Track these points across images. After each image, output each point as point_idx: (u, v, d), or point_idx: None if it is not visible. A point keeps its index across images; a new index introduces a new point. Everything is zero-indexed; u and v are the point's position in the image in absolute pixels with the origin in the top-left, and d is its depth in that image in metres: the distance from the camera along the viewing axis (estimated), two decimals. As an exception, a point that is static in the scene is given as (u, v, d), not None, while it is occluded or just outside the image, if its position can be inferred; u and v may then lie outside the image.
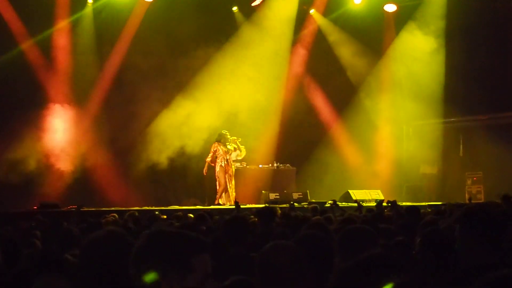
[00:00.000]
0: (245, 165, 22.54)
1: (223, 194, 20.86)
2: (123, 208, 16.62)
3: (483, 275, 2.43)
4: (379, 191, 22.24)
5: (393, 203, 11.99)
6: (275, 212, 8.72)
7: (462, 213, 4.66)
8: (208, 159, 20.97)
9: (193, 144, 22.21)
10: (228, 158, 20.98)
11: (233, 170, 21.20)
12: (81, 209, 15.24)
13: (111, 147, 22.26)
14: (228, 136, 21.08)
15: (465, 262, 4.22)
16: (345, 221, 7.47)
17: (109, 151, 22.33)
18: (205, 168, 20.96)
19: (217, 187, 20.95)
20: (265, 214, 8.28)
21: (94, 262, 3.25)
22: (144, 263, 3.06)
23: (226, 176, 20.91)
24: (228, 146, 21.00)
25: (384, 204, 13.39)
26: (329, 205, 14.12)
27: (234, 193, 20.98)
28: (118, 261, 3.22)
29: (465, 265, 4.17)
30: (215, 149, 20.94)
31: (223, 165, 20.90)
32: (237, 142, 21.23)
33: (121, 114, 22.10)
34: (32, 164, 21.06)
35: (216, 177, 20.98)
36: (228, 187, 20.89)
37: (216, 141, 21.00)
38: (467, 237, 4.25)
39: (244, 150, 21.45)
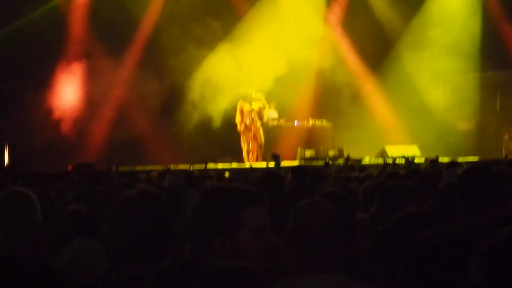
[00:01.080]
0: (281, 122, 22.49)
1: (250, 152, 21.05)
2: (160, 167, 16.58)
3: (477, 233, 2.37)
4: (415, 146, 22.11)
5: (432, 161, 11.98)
6: (309, 170, 8.64)
7: (463, 171, 4.61)
8: (237, 119, 21.04)
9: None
10: (253, 116, 21.04)
11: (259, 128, 21.23)
12: (118, 168, 15.28)
13: (156, 101, 22.04)
14: (254, 95, 21.09)
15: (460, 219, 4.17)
16: (389, 177, 7.42)
17: (153, 107, 22.17)
18: (239, 127, 21.07)
19: (242, 146, 21.09)
20: (300, 172, 8.22)
21: (126, 222, 3.22)
22: (198, 222, 3.06)
23: (250, 134, 21.01)
24: (253, 105, 21.06)
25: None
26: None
27: (261, 150, 21.06)
28: (150, 220, 3.20)
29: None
30: (240, 108, 21.02)
31: (248, 123, 21.00)
32: (263, 100, 21.24)
33: (161, 66, 21.95)
34: (69, 123, 21.17)
35: (241, 136, 21.10)
36: (251, 145, 21.02)
37: (242, 99, 21.08)
38: (464, 195, 4.20)
39: (268, 109, 21.44)
